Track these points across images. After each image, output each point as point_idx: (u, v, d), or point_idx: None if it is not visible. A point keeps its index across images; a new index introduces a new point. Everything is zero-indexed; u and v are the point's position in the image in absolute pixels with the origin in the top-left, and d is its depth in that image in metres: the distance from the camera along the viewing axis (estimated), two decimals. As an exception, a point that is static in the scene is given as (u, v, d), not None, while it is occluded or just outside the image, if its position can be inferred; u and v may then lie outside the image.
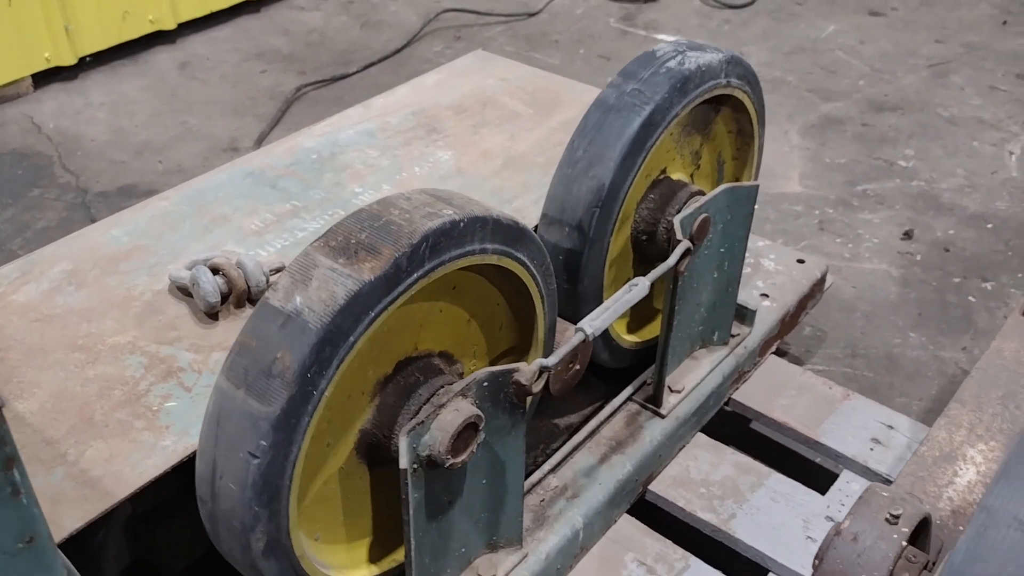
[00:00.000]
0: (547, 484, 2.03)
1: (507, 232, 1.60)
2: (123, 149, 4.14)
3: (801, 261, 2.69)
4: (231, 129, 4.27)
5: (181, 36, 5.05)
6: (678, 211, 2.09)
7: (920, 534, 1.37)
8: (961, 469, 1.66)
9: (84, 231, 2.09)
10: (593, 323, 1.73)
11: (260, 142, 4.15)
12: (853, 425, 2.34)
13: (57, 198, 3.82)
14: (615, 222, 1.97)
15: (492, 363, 1.84)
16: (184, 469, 1.55)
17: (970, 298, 3.23)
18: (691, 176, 2.29)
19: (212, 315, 1.83)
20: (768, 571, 2.06)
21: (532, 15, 5.31)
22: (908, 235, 3.52)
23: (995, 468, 1.58)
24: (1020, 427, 1.62)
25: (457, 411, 1.51)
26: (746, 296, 2.44)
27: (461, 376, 1.72)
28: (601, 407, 2.20)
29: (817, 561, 1.32)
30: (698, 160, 2.30)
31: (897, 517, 1.27)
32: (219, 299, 1.81)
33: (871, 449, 2.28)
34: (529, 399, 1.73)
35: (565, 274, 1.97)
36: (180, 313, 1.84)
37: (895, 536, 1.25)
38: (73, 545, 1.46)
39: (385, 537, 1.75)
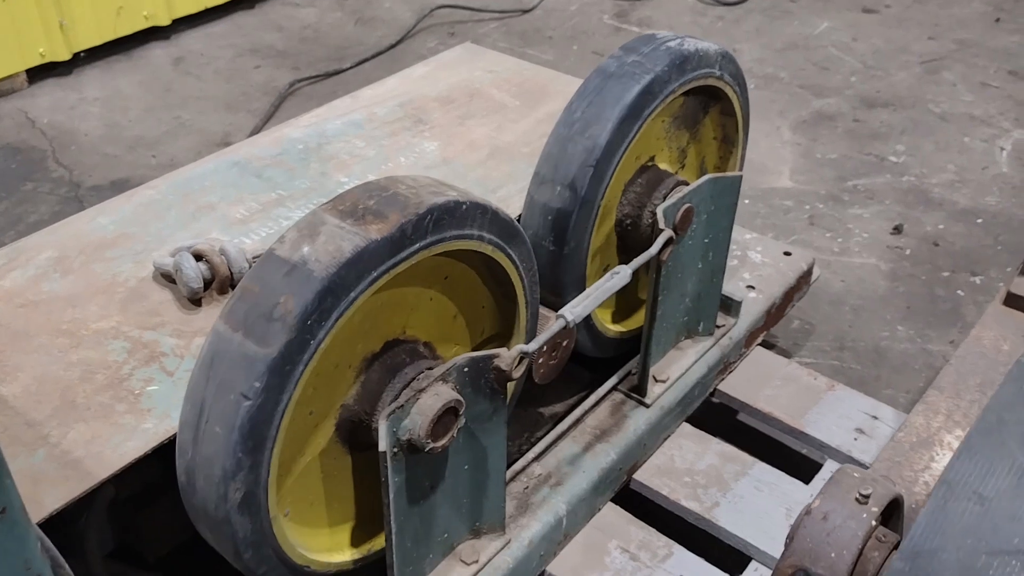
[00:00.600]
0: (531, 472, 2.05)
1: (503, 226, 1.65)
2: (116, 144, 4.15)
3: (788, 253, 2.70)
4: (224, 124, 4.29)
5: (175, 32, 5.06)
6: (663, 200, 2.10)
7: (892, 516, 1.38)
8: (938, 454, 1.67)
9: (71, 219, 2.11)
10: (574, 310, 1.74)
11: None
12: (837, 415, 2.36)
13: (50, 192, 3.84)
14: (607, 185, 1.98)
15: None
16: (166, 453, 1.56)
17: (959, 292, 3.24)
18: (676, 172, 2.31)
19: (195, 301, 1.84)
20: (751, 559, 2.07)
21: (526, 11, 5.33)
22: (898, 230, 3.53)
23: (971, 453, 1.59)
24: (995, 412, 1.63)
25: (437, 395, 1.52)
26: (732, 288, 2.45)
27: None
28: (586, 396, 2.21)
29: (788, 540, 1.33)
30: (683, 159, 2.32)
31: (867, 497, 1.28)
32: (202, 285, 1.82)
33: (855, 439, 2.29)
34: (510, 385, 1.75)
35: (552, 235, 1.97)
36: (163, 299, 1.85)
37: (864, 515, 1.26)
38: (56, 530, 1.47)
39: (368, 523, 1.76)
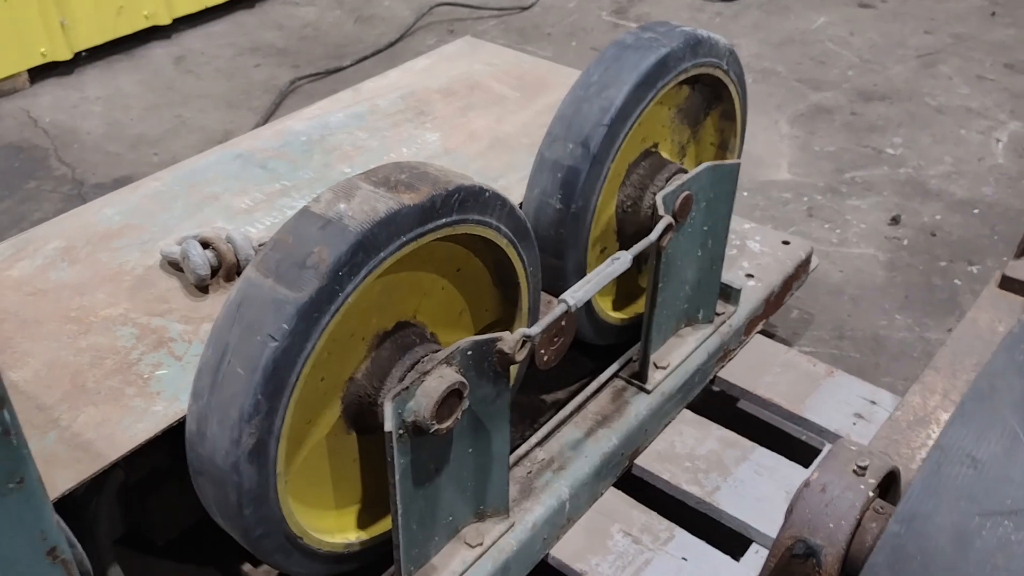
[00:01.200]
0: (534, 456, 2.07)
1: (518, 223, 1.73)
2: (118, 142, 4.17)
3: (786, 243, 2.72)
4: (225, 122, 4.31)
5: (176, 31, 5.09)
6: (663, 186, 2.13)
7: (889, 489, 1.41)
8: (934, 432, 1.70)
9: (77, 210, 2.13)
10: (575, 294, 1.76)
11: (254, 134, 4.19)
12: (836, 401, 2.38)
13: (53, 190, 3.86)
14: (618, 147, 2.00)
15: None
16: (174, 438, 1.59)
17: (956, 281, 3.26)
18: (675, 165, 2.34)
19: (202, 288, 1.87)
20: (751, 541, 2.09)
21: (525, 9, 5.36)
22: (895, 220, 3.56)
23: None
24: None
25: (442, 378, 1.55)
26: (731, 276, 2.47)
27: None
28: (588, 383, 2.24)
29: (788, 512, 1.35)
30: (683, 156, 2.35)
31: (864, 468, 1.31)
32: (209, 272, 1.85)
33: (854, 424, 2.31)
34: (513, 369, 1.77)
35: (560, 192, 1.99)
36: (171, 287, 1.88)
37: (862, 487, 1.29)
38: (67, 515, 1.49)
39: (369, 508, 1.79)
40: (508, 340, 1.65)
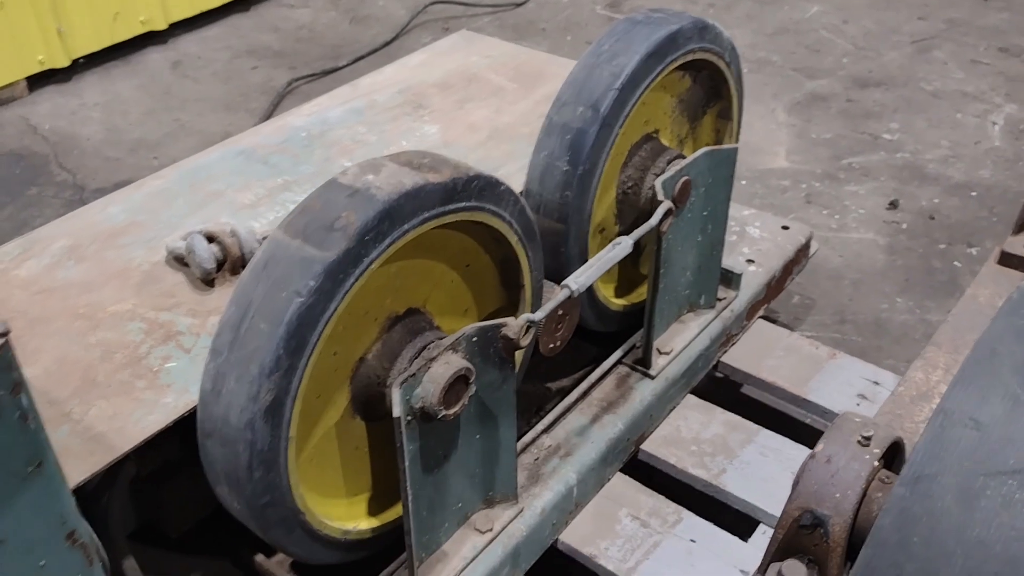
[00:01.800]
0: (541, 443, 2.09)
1: (528, 223, 1.79)
2: (118, 147, 4.19)
3: (786, 228, 2.74)
4: (224, 124, 4.33)
5: (172, 36, 5.10)
6: (662, 171, 2.15)
7: (894, 460, 1.42)
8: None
9: (82, 210, 2.15)
10: (578, 279, 1.78)
11: (253, 135, 4.21)
12: (840, 382, 2.39)
13: (55, 195, 3.88)
14: (627, 114, 2.03)
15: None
16: (185, 430, 1.60)
17: (955, 263, 3.28)
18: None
19: (208, 282, 1.89)
20: (759, 522, 2.11)
21: (519, 5, 5.37)
22: (894, 205, 3.58)
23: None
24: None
25: (448, 364, 1.56)
26: (732, 262, 2.49)
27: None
28: (592, 370, 2.25)
29: (794, 485, 1.37)
30: (681, 148, 2.37)
31: (869, 439, 1.32)
32: (215, 266, 1.87)
33: (858, 404, 2.33)
34: (518, 354, 1.79)
35: (568, 154, 2.01)
36: (177, 281, 1.90)
37: (867, 457, 1.30)
38: (80, 509, 1.51)
39: (384, 494, 1.80)
40: (512, 325, 1.67)
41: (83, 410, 1.58)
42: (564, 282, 1.77)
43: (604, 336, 2.33)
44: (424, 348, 1.66)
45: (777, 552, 1.35)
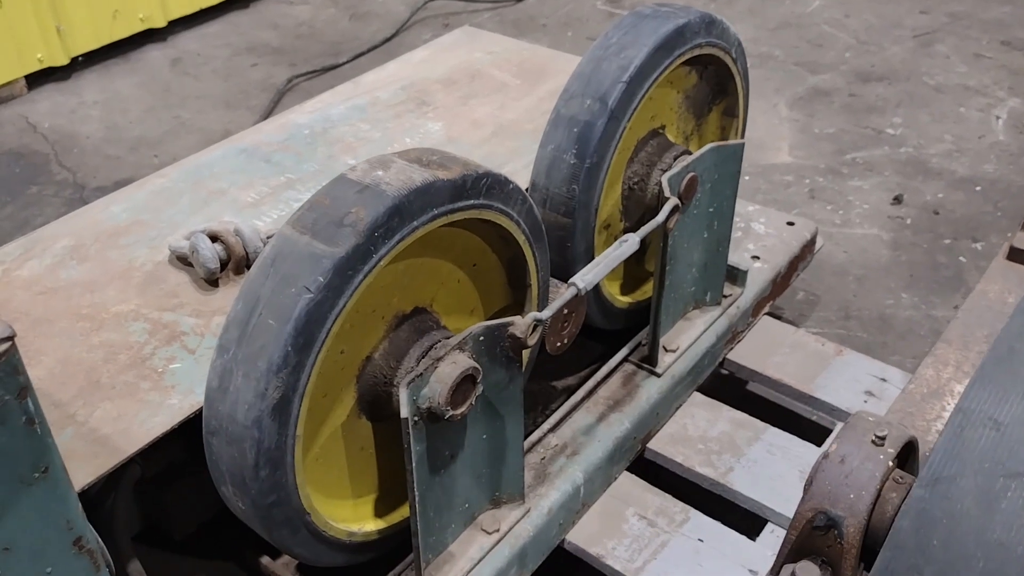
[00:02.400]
0: (547, 443, 2.07)
1: (535, 223, 1.78)
2: (118, 145, 4.17)
3: (791, 224, 2.72)
4: (224, 122, 4.31)
5: (172, 33, 5.08)
6: (669, 165, 2.14)
7: (907, 459, 1.41)
8: (949, 404, 1.70)
9: (84, 209, 2.13)
10: (585, 277, 1.76)
11: (254, 133, 4.19)
12: (846, 379, 2.38)
13: (55, 194, 3.86)
14: (635, 108, 2.02)
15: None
16: (189, 432, 1.59)
17: (960, 258, 3.27)
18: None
19: (212, 282, 1.87)
20: (766, 521, 2.09)
21: (519, 1, 5.35)
22: (898, 200, 3.56)
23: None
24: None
25: (455, 363, 1.55)
26: (738, 258, 2.47)
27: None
28: (597, 368, 2.24)
29: (807, 485, 1.35)
30: (687, 144, 2.36)
31: (883, 439, 1.30)
32: (218, 265, 1.85)
33: (865, 401, 2.31)
34: (525, 353, 1.78)
35: (576, 147, 1.99)
36: (181, 281, 1.88)
37: (881, 457, 1.29)
38: (84, 511, 1.49)
39: (389, 495, 1.79)
40: (520, 324, 1.65)
41: (87, 412, 1.57)
42: (571, 280, 1.76)
43: (609, 334, 2.31)
44: (431, 347, 1.64)
45: (790, 553, 1.34)
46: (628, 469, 2.18)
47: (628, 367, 2.27)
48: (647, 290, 2.39)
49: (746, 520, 2.11)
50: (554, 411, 2.13)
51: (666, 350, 2.28)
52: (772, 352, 2.46)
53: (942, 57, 4.56)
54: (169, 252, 1.94)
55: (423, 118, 2.44)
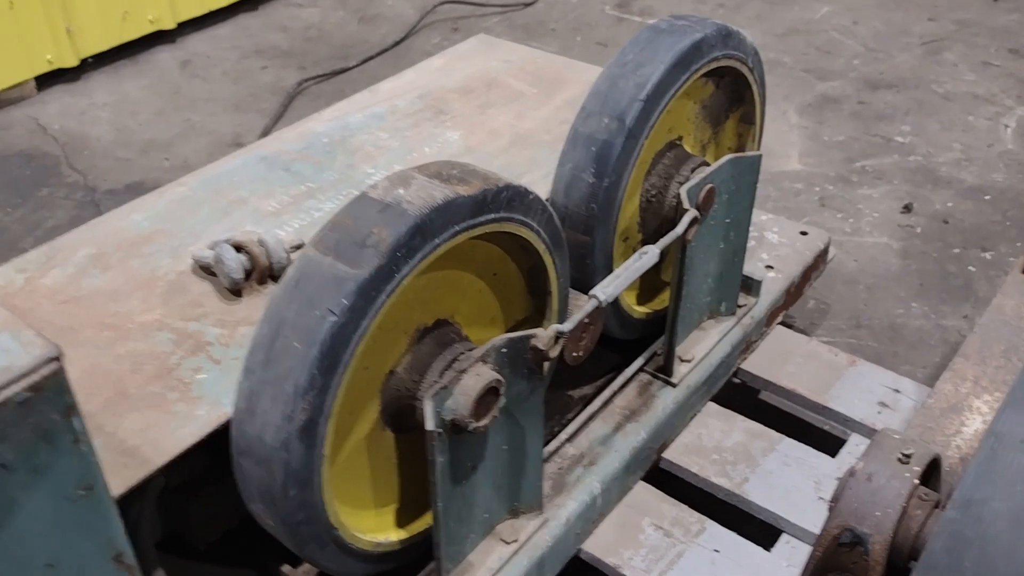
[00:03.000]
0: (564, 452, 2.09)
1: (555, 231, 1.78)
2: (129, 147, 4.18)
3: (804, 233, 2.74)
4: (234, 124, 4.32)
5: (181, 35, 5.09)
6: (687, 178, 2.15)
7: (931, 476, 1.42)
8: (968, 419, 1.71)
9: (105, 217, 2.14)
10: (606, 290, 1.78)
11: (264, 136, 4.20)
12: (860, 390, 2.39)
13: (66, 196, 3.87)
14: (652, 125, 2.02)
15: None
16: (214, 440, 1.60)
17: (970, 267, 3.28)
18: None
19: (236, 292, 1.88)
20: (781, 531, 2.11)
21: (528, 5, 5.36)
22: (907, 208, 3.57)
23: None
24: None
25: (479, 376, 1.56)
26: (751, 268, 2.48)
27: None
28: (613, 378, 2.25)
29: (832, 503, 1.36)
30: (704, 153, 2.37)
31: (909, 456, 1.32)
32: (243, 275, 1.86)
33: (879, 412, 2.33)
34: (546, 364, 1.79)
35: (594, 166, 2.00)
36: (204, 291, 1.89)
37: (907, 475, 1.30)
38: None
39: (408, 507, 1.80)
40: (542, 336, 1.67)
41: (116, 423, 1.58)
42: (592, 292, 1.77)
43: (623, 343, 2.32)
44: (454, 360, 1.65)
45: (816, 570, 1.35)
46: (643, 479, 2.19)
47: (644, 377, 2.28)
48: (663, 300, 2.40)
49: (761, 531, 2.12)
50: (571, 421, 2.14)
51: (681, 360, 2.29)
52: (785, 362, 2.48)
53: (950, 65, 4.57)
54: (192, 261, 1.95)
55: (441, 127, 2.45)
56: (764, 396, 2.60)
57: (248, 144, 4.06)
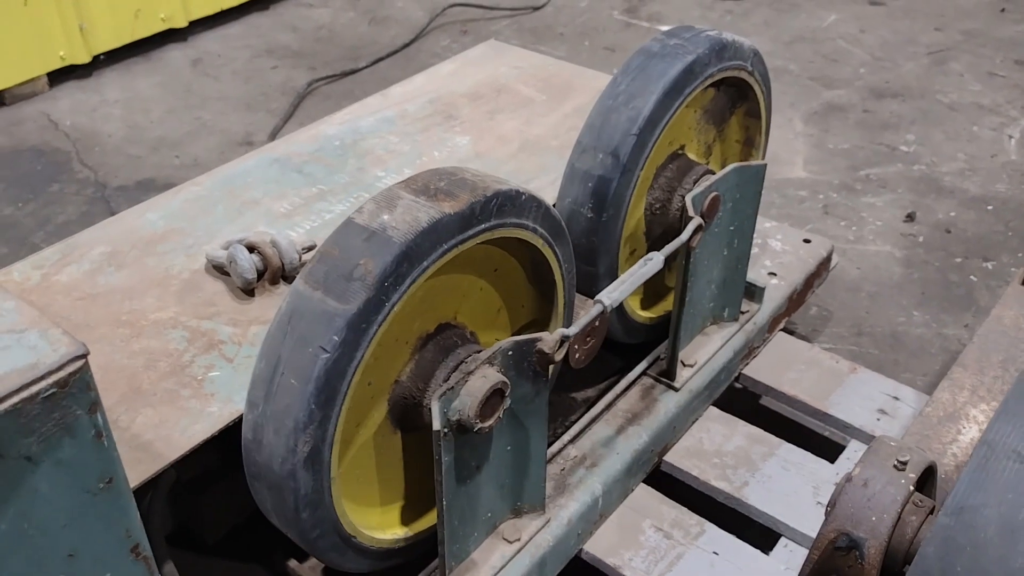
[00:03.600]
0: (567, 454, 2.12)
1: (553, 223, 1.77)
2: (139, 144, 4.22)
3: (807, 241, 2.77)
4: (245, 124, 4.36)
5: (192, 34, 5.13)
6: (691, 187, 2.18)
7: (926, 482, 1.45)
8: (964, 428, 1.74)
9: (120, 216, 2.18)
10: (611, 295, 1.81)
11: (274, 136, 4.24)
12: (860, 397, 2.42)
13: (77, 192, 3.91)
14: (647, 156, 2.05)
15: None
16: (224, 439, 1.64)
17: (972, 277, 3.31)
18: (703, 166, 2.39)
19: (248, 292, 1.92)
20: (780, 535, 2.14)
21: (537, 9, 5.40)
22: (911, 217, 3.60)
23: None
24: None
25: (485, 378, 1.60)
26: (754, 274, 2.52)
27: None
28: (616, 381, 2.28)
29: (829, 508, 1.40)
30: (709, 155, 2.40)
31: (905, 463, 1.35)
32: (255, 276, 1.90)
33: (878, 419, 2.36)
34: (551, 367, 1.82)
35: (592, 201, 2.03)
36: (218, 290, 1.93)
37: (903, 481, 1.33)
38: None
39: (417, 502, 1.83)
40: (547, 340, 1.70)
41: (130, 418, 1.62)
42: (597, 297, 1.80)
43: (627, 347, 2.36)
44: (458, 365, 1.68)
45: (812, 573, 1.38)
46: (644, 481, 2.22)
47: (646, 381, 2.31)
48: (666, 305, 2.44)
49: (760, 534, 2.15)
50: (574, 423, 2.17)
51: (684, 365, 2.33)
52: (787, 368, 2.51)
53: (956, 75, 4.60)
54: (205, 261, 1.99)
55: (450, 132, 2.49)
56: (765, 401, 2.63)
57: (258, 143, 4.14)
